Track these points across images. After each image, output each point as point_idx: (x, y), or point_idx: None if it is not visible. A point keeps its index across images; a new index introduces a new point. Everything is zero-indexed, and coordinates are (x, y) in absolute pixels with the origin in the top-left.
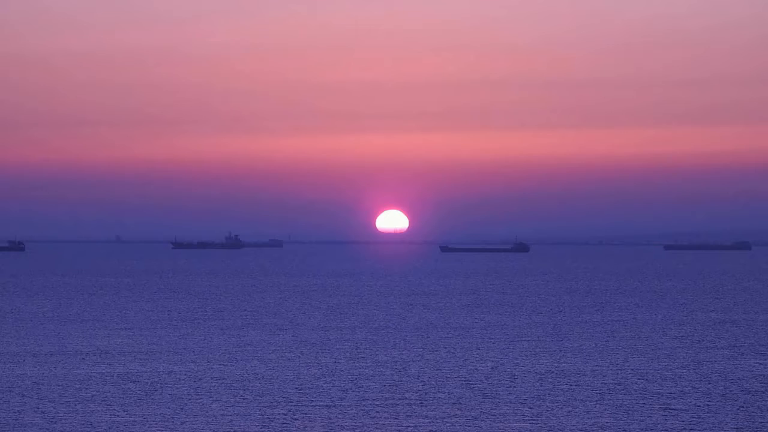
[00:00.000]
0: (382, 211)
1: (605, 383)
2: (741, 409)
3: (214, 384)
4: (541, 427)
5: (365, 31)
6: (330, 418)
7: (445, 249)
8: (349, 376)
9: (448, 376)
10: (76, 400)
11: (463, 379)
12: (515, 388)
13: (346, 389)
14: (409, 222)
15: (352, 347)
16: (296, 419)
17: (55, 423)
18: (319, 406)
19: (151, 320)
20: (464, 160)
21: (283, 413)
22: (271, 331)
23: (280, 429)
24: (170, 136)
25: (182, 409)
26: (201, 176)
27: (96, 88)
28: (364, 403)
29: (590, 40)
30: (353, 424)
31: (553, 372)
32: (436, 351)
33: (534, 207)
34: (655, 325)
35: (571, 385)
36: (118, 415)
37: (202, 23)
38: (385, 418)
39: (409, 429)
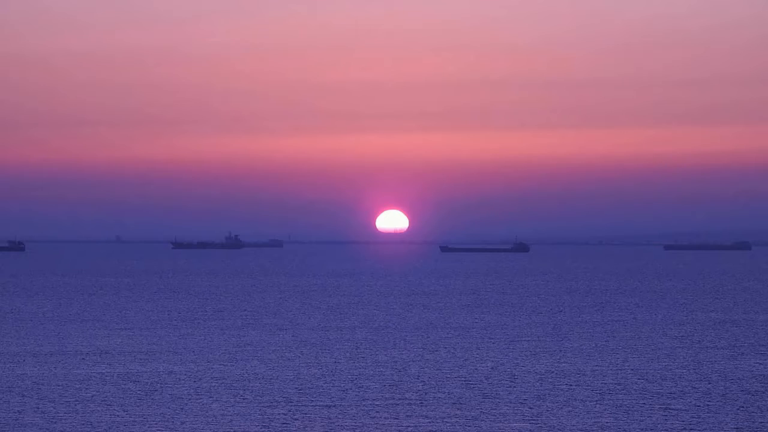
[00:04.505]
0: (382, 211)
1: (605, 383)
2: (741, 409)
3: (214, 384)
4: (541, 427)
5: (365, 31)
6: (330, 418)
7: (445, 249)
8: (349, 376)
9: (448, 376)
10: (76, 400)
11: (463, 379)
12: (515, 388)
13: (346, 389)
14: (409, 222)
15: (352, 347)
16: (296, 419)
17: (55, 423)
18: (319, 406)
19: (151, 320)
20: (464, 160)
21: (283, 413)
22: (271, 331)
23: (280, 429)
24: (170, 136)
25: (182, 409)
26: (201, 176)
27: (96, 88)
28: (364, 403)
29: (590, 40)
30: (353, 424)
31: (553, 372)
32: (436, 351)
33: (534, 207)
34: (655, 325)
35: (571, 385)
36: (118, 415)
37: (202, 23)
38: (385, 418)
39: (409, 429)
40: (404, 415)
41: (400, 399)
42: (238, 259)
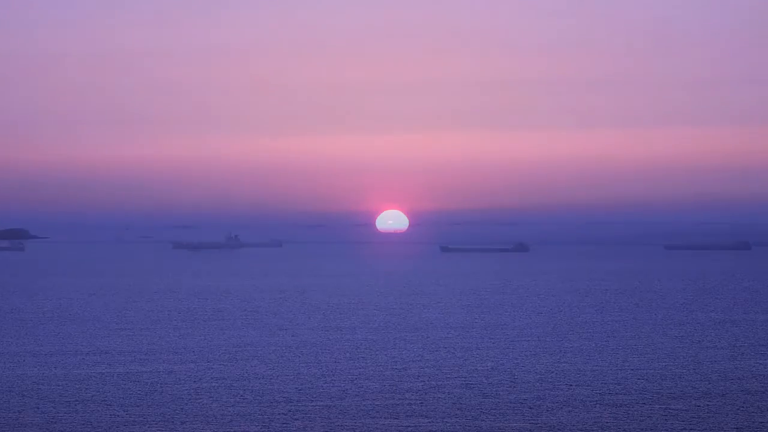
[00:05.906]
0: (382, 211)
1: (605, 383)
2: (741, 409)
3: (214, 384)
4: (541, 427)
5: (365, 31)
6: (330, 418)
7: (445, 249)
8: (349, 376)
9: (448, 376)
10: (76, 400)
11: (463, 379)
12: (515, 388)
13: (346, 389)
14: (409, 222)
15: (352, 347)
16: (296, 419)
17: (55, 423)
18: (319, 406)
19: (151, 320)
20: (464, 160)
21: (283, 413)
22: (271, 331)
23: (280, 429)
24: (170, 136)
25: (182, 409)
26: (201, 176)
27: (95, 88)
28: (364, 403)
29: (590, 40)
30: (353, 424)
31: (553, 372)
32: (436, 351)
33: (534, 207)
34: (655, 325)
35: (571, 385)
36: (118, 415)
37: (202, 23)
38: (385, 418)
39: (409, 429)
40: (404, 415)
41: (400, 399)
42: (238, 259)
